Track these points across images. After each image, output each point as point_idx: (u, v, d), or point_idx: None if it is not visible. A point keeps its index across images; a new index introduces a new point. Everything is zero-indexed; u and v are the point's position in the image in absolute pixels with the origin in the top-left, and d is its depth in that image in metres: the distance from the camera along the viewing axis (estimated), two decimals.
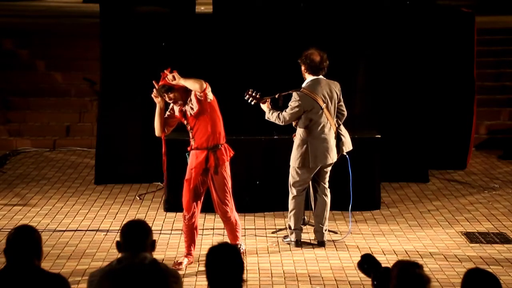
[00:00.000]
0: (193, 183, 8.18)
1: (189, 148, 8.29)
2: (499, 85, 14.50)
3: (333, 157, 8.75)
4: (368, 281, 4.96)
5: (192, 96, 8.11)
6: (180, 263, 8.19)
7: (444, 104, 12.22)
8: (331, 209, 9.76)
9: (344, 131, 8.83)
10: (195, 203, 8.23)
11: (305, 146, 8.68)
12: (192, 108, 8.14)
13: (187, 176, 8.25)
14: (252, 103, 8.89)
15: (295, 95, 8.64)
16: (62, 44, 15.09)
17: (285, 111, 8.68)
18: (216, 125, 8.18)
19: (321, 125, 8.67)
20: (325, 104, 8.63)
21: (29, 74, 14.70)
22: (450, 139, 12.21)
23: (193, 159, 8.20)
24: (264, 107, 8.85)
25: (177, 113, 8.23)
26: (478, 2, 17.94)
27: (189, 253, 8.32)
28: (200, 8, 13.31)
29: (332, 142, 8.73)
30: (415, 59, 11.56)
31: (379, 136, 10.26)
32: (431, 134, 11.88)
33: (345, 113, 8.85)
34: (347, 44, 11.40)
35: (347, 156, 8.94)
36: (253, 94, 8.86)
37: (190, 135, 8.24)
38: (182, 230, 8.48)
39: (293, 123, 8.76)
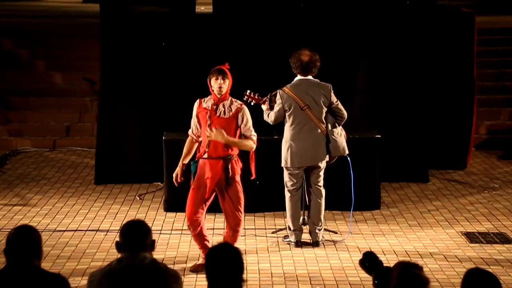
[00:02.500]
0: (208, 193, 8.01)
1: (199, 155, 8.09)
2: (499, 85, 14.50)
3: (317, 158, 8.71)
4: (368, 281, 4.97)
5: (233, 104, 8.08)
6: (201, 265, 8.10)
7: (444, 104, 12.22)
8: (331, 209, 9.79)
9: (337, 134, 8.75)
10: (200, 211, 8.07)
11: (287, 146, 8.73)
12: (225, 112, 8.06)
13: (194, 185, 8.07)
14: (252, 103, 8.92)
15: (277, 94, 8.71)
16: (62, 44, 15.11)
17: (273, 110, 8.75)
18: (235, 136, 8.09)
19: (303, 125, 8.67)
20: (306, 105, 8.63)
21: (29, 74, 14.71)
22: (450, 139, 12.21)
23: (206, 168, 7.99)
24: (264, 107, 8.88)
25: (199, 119, 8.10)
26: (478, 2, 17.94)
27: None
28: (200, 8, 13.31)
29: (317, 144, 8.69)
30: (415, 59, 11.56)
31: (379, 136, 10.26)
32: (431, 134, 11.87)
33: (344, 115, 8.78)
34: (347, 44, 11.41)
35: (348, 157, 8.94)
36: (252, 95, 8.90)
37: (206, 141, 8.01)
38: (192, 238, 8.33)
39: None
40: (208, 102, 8.10)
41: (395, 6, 11.50)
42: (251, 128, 8.13)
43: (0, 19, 17.17)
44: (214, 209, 9.98)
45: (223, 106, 8.06)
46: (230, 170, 8.02)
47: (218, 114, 8.03)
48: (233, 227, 8.14)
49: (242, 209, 8.13)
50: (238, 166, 8.14)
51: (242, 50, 11.30)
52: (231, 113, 8.05)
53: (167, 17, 11.48)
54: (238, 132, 8.09)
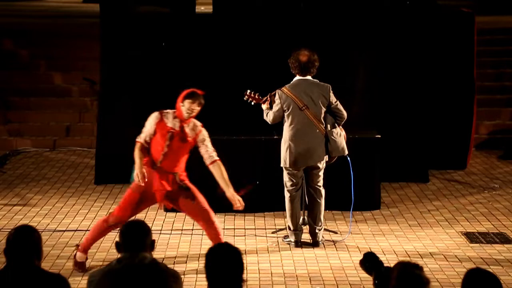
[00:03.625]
0: (153, 203, 8.05)
1: (145, 162, 7.95)
2: (499, 85, 14.49)
3: (316, 158, 8.70)
4: (368, 281, 4.97)
5: (195, 126, 8.04)
6: (82, 263, 8.14)
7: (444, 104, 12.22)
8: (331, 209, 9.79)
9: (336, 134, 8.75)
10: (130, 217, 8.06)
11: (286, 146, 8.73)
12: (188, 135, 8.01)
13: (137, 189, 7.94)
14: (252, 103, 8.94)
15: (276, 94, 8.71)
16: (62, 44, 15.09)
17: (272, 110, 8.76)
18: (185, 159, 8.11)
19: (302, 125, 8.67)
20: (305, 105, 8.62)
21: (29, 74, 14.70)
22: (450, 139, 12.21)
23: (153, 179, 7.92)
24: (264, 107, 8.89)
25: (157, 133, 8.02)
26: (478, 2, 17.94)
27: (85, 249, 8.22)
28: (200, 8, 13.31)
29: (316, 144, 8.68)
30: (415, 59, 11.56)
31: (379, 136, 10.26)
32: (431, 134, 11.87)
33: (344, 115, 8.77)
34: (347, 44, 11.41)
35: (348, 158, 8.93)
36: (252, 95, 8.91)
37: (160, 158, 7.94)
38: (93, 228, 8.28)
39: None
40: (173, 121, 7.99)
41: (395, 6, 11.50)
42: (212, 148, 8.09)
43: (0, 19, 17.16)
44: (214, 209, 9.99)
45: (188, 126, 8.02)
46: (179, 181, 8.00)
47: (183, 137, 7.98)
48: (208, 219, 8.05)
49: (205, 201, 8.07)
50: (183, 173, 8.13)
51: (242, 50, 11.31)
52: (193, 136, 8.01)
53: (167, 17, 11.49)
54: (189, 149, 8.04)
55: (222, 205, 9.97)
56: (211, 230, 8.10)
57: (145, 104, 11.50)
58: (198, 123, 8.11)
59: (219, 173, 8.02)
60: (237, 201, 8.02)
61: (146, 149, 8.06)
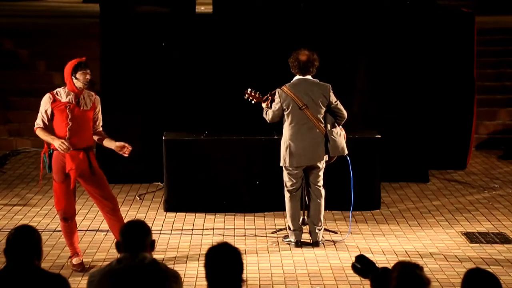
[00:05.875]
0: (73, 184, 8.09)
1: (54, 147, 8.03)
2: (499, 85, 14.50)
3: (316, 158, 8.70)
4: (368, 281, 4.95)
5: (90, 94, 8.23)
6: (80, 264, 8.19)
7: (444, 104, 12.22)
8: (331, 209, 9.79)
9: (336, 134, 8.74)
10: (73, 202, 8.19)
11: (286, 145, 8.73)
12: (86, 104, 8.14)
13: (59, 178, 8.05)
14: (253, 102, 8.94)
15: (276, 93, 8.71)
16: (62, 44, 15.08)
17: (271, 109, 8.76)
18: (92, 126, 8.24)
19: (302, 125, 8.66)
20: (305, 105, 8.62)
21: (29, 74, 14.70)
22: (450, 139, 12.21)
23: (66, 160, 8.01)
24: (264, 105, 8.89)
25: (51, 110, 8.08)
26: (478, 2, 17.94)
27: (76, 252, 8.28)
28: (200, 8, 13.31)
29: (315, 143, 8.68)
30: (415, 59, 11.55)
31: (379, 136, 10.25)
32: (431, 134, 11.87)
33: (344, 115, 8.77)
34: (347, 44, 11.41)
35: (347, 157, 8.93)
36: (253, 94, 8.91)
37: (67, 133, 8.00)
38: (62, 232, 8.36)
39: None
40: (67, 96, 8.11)
41: (395, 6, 11.50)
42: (101, 118, 8.33)
43: (0, 19, 17.16)
44: (214, 209, 10.02)
45: (83, 98, 8.15)
46: (91, 160, 8.13)
47: (82, 107, 8.11)
48: (114, 207, 8.32)
49: (110, 188, 8.38)
50: (94, 153, 8.27)
51: (242, 50, 11.30)
52: (91, 105, 8.18)
53: (167, 17, 11.48)
54: (91, 120, 8.22)
55: (222, 205, 10.05)
56: (115, 217, 8.30)
57: (145, 104, 11.54)
58: (92, 92, 8.29)
59: (103, 137, 8.28)
60: (124, 147, 8.17)
61: (49, 132, 8.14)
